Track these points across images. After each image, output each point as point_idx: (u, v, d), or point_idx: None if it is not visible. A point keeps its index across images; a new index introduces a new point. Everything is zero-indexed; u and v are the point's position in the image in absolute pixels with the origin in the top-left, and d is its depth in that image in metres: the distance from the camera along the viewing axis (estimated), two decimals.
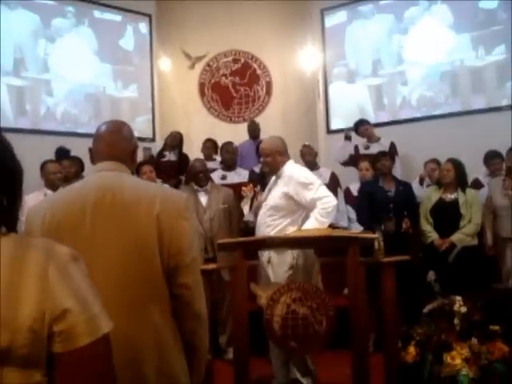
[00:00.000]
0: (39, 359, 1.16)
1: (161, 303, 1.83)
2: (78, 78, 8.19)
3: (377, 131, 7.60)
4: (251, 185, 4.27)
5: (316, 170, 6.56)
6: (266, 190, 4.45)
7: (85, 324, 1.18)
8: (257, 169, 6.84)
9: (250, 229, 4.89)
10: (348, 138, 7.60)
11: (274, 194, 4.27)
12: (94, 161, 2.04)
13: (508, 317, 5.30)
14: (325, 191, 4.19)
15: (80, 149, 6.88)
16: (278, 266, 4.15)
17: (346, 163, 7.52)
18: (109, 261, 1.76)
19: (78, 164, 6.32)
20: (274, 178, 4.41)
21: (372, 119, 8.13)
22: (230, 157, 6.94)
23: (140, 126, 8.55)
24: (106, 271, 1.74)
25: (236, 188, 5.90)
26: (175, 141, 7.58)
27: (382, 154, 6.15)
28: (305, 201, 4.15)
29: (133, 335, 1.75)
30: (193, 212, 5.01)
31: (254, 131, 8.05)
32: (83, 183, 2.02)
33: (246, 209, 4.29)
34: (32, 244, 1.20)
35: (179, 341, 1.86)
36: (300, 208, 4.22)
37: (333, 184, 6.53)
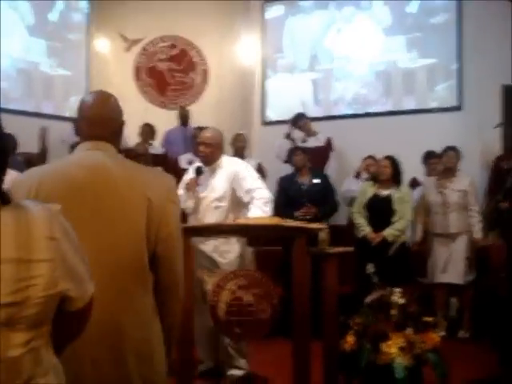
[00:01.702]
0: (47, 317, 1.20)
1: (144, 287, 1.82)
2: (9, 51, 7.83)
3: (312, 126, 7.72)
4: (194, 179, 4.28)
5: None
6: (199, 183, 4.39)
7: (87, 276, 1.29)
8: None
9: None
10: (288, 136, 7.68)
11: (217, 186, 4.27)
12: (79, 135, 2.02)
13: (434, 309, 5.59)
14: (260, 183, 4.30)
15: (11, 125, 6.61)
16: (227, 253, 4.20)
17: (286, 161, 7.57)
18: (97, 241, 1.74)
19: (12, 141, 6.08)
20: (206, 170, 4.38)
21: (310, 113, 8.23)
22: None
23: (74, 106, 8.22)
24: (94, 252, 1.69)
25: None
26: None
27: (294, 149, 6.33)
28: (241, 191, 4.22)
29: (118, 320, 1.75)
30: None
31: (184, 117, 8.09)
32: (70, 161, 1.98)
33: (190, 203, 4.29)
34: (31, 207, 1.23)
35: (159, 324, 1.87)
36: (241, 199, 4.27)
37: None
